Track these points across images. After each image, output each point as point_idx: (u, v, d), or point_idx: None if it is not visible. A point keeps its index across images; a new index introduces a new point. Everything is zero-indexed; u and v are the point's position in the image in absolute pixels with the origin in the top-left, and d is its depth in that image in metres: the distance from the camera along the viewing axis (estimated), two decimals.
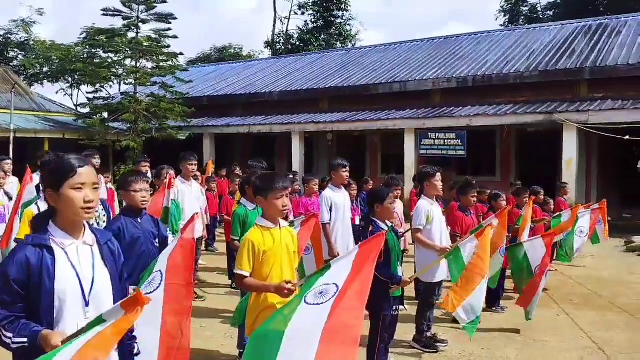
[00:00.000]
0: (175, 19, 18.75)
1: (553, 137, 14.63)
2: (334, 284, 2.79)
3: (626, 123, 12.56)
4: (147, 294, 3.15)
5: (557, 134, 14.03)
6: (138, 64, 18.90)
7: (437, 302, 5.53)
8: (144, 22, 18.71)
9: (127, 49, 18.43)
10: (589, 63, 14.72)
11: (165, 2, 18.55)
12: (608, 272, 9.00)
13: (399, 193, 6.78)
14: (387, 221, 4.34)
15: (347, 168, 5.81)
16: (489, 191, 8.08)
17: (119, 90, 21.42)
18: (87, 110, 21.28)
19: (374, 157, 19.17)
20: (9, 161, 8.11)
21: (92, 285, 2.17)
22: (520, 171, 16.88)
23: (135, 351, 2.44)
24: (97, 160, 7.78)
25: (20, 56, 30.87)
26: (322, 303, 2.61)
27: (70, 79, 30.86)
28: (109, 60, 19.20)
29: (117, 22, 18.83)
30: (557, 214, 7.89)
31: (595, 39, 16.53)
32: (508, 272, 6.92)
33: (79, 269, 2.15)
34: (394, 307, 4.27)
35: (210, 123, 20.20)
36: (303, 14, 37.70)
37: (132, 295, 1.76)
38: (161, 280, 3.18)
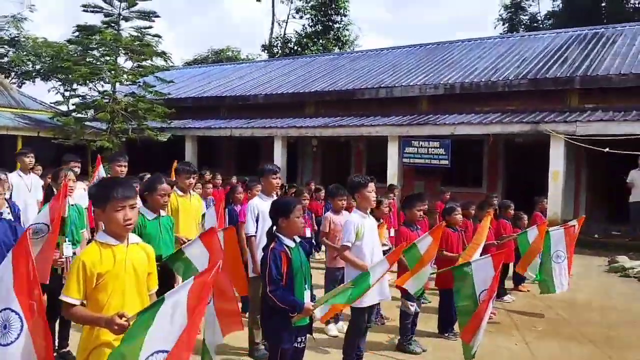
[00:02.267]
0: (157, 16, 18.23)
1: (542, 148, 13.96)
2: (163, 351, 2.35)
3: (614, 135, 11.94)
4: (6, 345, 2.72)
5: (546, 146, 13.38)
6: (119, 62, 18.43)
7: (370, 327, 4.91)
8: (126, 19, 18.22)
9: (118, 47, 17.82)
10: (581, 72, 14.12)
11: None
12: (584, 294, 8.33)
13: (344, 204, 6.15)
14: (295, 237, 3.72)
15: (278, 174, 5.19)
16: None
17: (111, 89, 20.76)
18: (68, 107, 20.75)
19: (358, 165, 18.55)
20: None
21: None
22: (508, 183, 16.25)
23: None
24: (77, 170, 6.77)
25: (11, 53, 30.37)
26: None
27: (62, 77, 30.34)
28: (102, 60, 18.61)
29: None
30: (524, 230, 7.24)
31: (590, 48, 15.92)
32: None
33: None
34: (299, 340, 3.64)
35: (193, 125, 19.65)
36: (301, 17, 37.24)
37: None
38: (21, 324, 2.73)
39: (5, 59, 30.38)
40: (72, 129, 17.56)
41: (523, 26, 31.15)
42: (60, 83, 32.26)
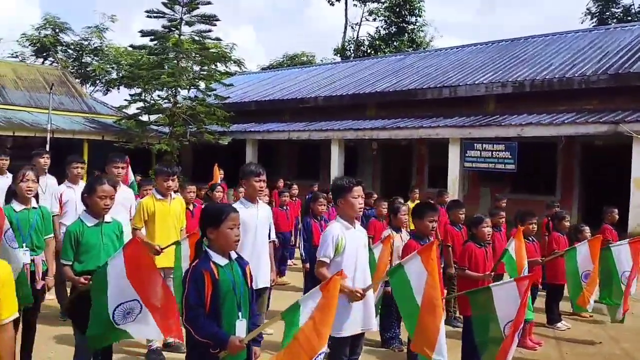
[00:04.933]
0: (218, 20, 18.20)
1: (626, 152, 12.34)
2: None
3: None
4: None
5: (630, 149, 11.80)
6: (184, 65, 18.64)
7: None
8: (189, 24, 18.35)
9: (180, 51, 17.97)
10: None
11: (210, 2, 18.08)
12: None
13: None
14: (232, 253, 3.04)
15: (263, 176, 4.53)
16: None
17: (172, 93, 20.88)
18: (132, 112, 21.14)
19: (420, 169, 17.51)
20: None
21: None
22: (586, 191, 14.62)
23: None
24: (80, 171, 6.55)
25: (94, 62, 31.93)
26: None
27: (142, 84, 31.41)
28: (170, 64, 18.81)
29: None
30: (572, 246, 6.08)
31: None
32: None
33: None
34: None
35: (252, 129, 19.45)
36: (374, 20, 36.41)
37: None
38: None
39: (90, 68, 31.99)
40: (135, 132, 17.88)
41: (615, 20, 28.51)
42: (140, 90, 33.56)
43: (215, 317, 2.85)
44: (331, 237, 3.81)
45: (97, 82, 33.88)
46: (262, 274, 4.52)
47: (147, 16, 17.92)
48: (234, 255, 3.04)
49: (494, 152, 13.41)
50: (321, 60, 40.07)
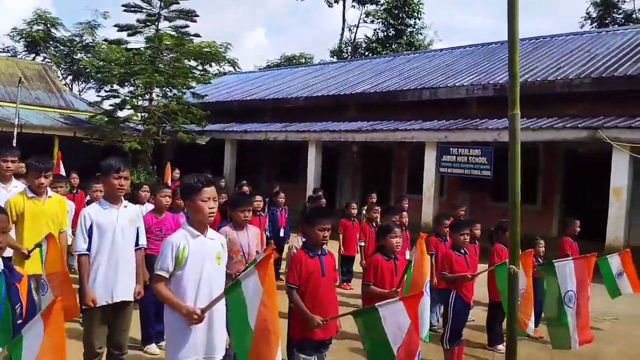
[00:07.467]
0: (197, 16, 17.73)
1: (608, 160, 11.66)
2: None
3: None
4: None
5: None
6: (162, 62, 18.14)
7: None
8: (169, 19, 17.90)
9: (157, 47, 17.53)
10: None
11: None
12: (617, 348, 6.33)
13: (247, 216, 4.74)
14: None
15: (123, 173, 3.91)
16: None
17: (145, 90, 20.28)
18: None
19: (399, 174, 16.88)
20: None
21: None
22: (568, 201, 13.93)
23: None
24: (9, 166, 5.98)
25: (85, 58, 31.51)
26: None
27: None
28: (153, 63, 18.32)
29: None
30: (502, 262, 5.44)
31: None
32: None
33: None
34: None
35: (231, 128, 18.90)
36: (372, 22, 35.79)
37: None
38: None
39: (81, 65, 31.60)
40: (107, 129, 17.38)
41: (615, 25, 27.71)
42: (133, 87, 33.08)
43: None
44: (170, 247, 3.20)
45: (90, 79, 33.54)
46: (121, 285, 3.92)
47: (125, 10, 17.48)
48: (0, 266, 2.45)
49: (469, 157, 12.77)
50: (319, 62, 39.54)
